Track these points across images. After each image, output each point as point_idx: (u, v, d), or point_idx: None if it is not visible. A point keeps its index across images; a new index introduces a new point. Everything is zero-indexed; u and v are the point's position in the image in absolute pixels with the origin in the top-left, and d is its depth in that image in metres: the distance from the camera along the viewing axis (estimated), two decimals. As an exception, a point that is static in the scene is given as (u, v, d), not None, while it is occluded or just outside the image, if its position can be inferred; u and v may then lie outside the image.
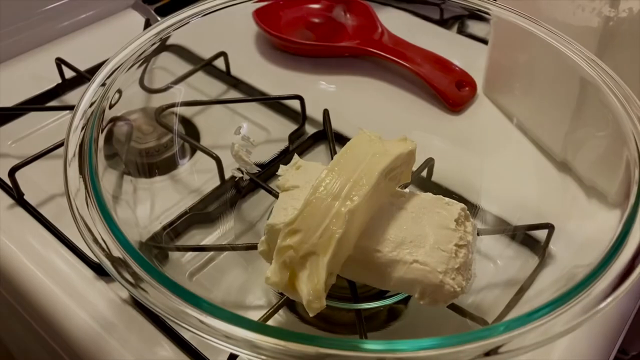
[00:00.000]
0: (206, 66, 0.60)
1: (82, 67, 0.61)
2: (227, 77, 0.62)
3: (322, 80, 0.61)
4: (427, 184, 0.50)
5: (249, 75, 0.62)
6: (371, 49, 0.62)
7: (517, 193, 0.47)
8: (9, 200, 0.49)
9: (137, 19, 0.71)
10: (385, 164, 0.37)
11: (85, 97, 0.39)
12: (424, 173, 0.50)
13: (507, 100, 0.56)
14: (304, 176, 0.41)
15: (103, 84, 0.40)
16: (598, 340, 0.41)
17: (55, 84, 0.61)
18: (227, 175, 0.49)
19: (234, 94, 0.61)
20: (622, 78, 0.39)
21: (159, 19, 0.70)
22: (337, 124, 0.54)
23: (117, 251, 0.31)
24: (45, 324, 0.43)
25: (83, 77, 0.60)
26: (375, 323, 0.41)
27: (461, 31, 0.68)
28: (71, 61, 0.60)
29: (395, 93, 0.60)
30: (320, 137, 0.55)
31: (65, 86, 0.61)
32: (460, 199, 0.47)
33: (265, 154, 0.52)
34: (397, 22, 0.66)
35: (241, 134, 0.50)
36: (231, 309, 0.30)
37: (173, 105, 0.53)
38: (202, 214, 0.47)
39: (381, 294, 0.41)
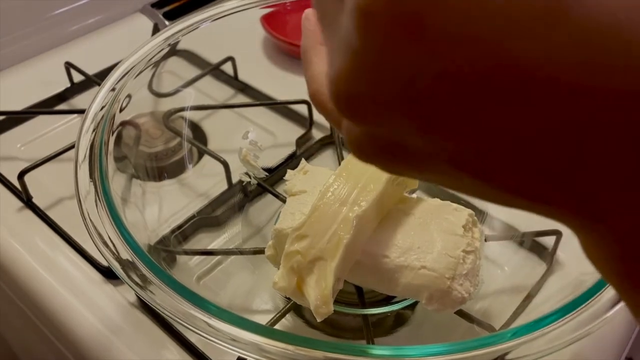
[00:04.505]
0: (214, 71, 0.61)
1: (91, 71, 0.61)
2: (234, 82, 0.62)
3: (329, 85, 0.61)
4: (435, 190, 0.50)
5: (256, 79, 0.62)
6: (378, 55, 0.62)
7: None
8: (18, 203, 0.49)
9: (145, 23, 0.72)
10: (393, 170, 0.37)
11: (95, 100, 0.39)
12: (431, 178, 0.50)
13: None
14: (311, 181, 0.42)
15: (113, 89, 0.40)
16: (606, 346, 0.41)
17: (63, 88, 0.61)
18: (234, 180, 0.49)
19: (241, 99, 0.61)
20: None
21: (167, 23, 0.71)
22: (344, 129, 0.54)
23: (126, 254, 0.32)
24: (53, 326, 0.43)
25: (91, 81, 0.60)
26: (382, 328, 0.41)
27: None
28: (80, 65, 0.61)
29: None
30: (328, 141, 0.55)
31: (74, 90, 0.62)
32: (467, 204, 0.47)
33: (273, 159, 0.52)
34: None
35: (249, 139, 0.51)
36: (238, 313, 0.30)
37: (181, 109, 0.53)
38: (209, 217, 0.47)
39: (388, 300, 0.41)
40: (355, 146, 0.17)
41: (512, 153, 0.14)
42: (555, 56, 0.12)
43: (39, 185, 0.49)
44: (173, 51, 0.47)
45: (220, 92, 0.61)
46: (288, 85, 0.61)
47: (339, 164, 0.41)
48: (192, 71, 0.59)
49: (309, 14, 0.22)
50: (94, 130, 0.37)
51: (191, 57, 0.61)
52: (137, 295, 0.41)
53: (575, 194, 0.14)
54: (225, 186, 0.49)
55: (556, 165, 0.14)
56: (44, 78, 0.63)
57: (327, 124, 0.56)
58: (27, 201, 0.49)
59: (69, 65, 0.61)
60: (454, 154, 0.15)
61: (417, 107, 0.14)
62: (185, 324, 0.29)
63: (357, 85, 0.15)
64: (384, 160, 0.17)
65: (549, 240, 0.44)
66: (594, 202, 0.14)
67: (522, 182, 0.15)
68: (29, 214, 0.49)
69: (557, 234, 0.43)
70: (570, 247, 0.43)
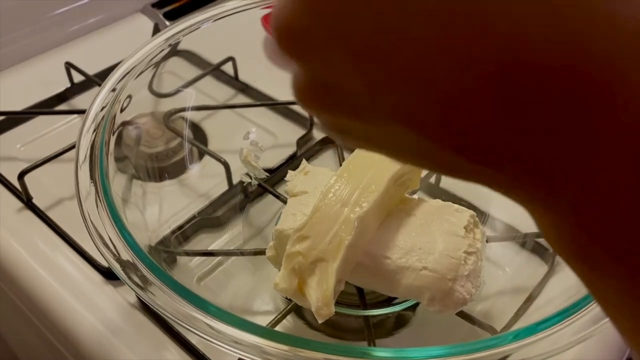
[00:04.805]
0: (214, 71, 0.60)
1: (91, 71, 0.61)
2: (235, 82, 0.62)
3: (330, 85, 0.61)
4: (436, 191, 0.50)
5: (257, 80, 0.62)
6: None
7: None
8: (18, 204, 0.49)
9: (145, 23, 0.72)
10: (395, 170, 0.37)
11: (96, 101, 0.39)
12: (433, 179, 0.50)
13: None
14: (312, 182, 0.41)
15: (113, 89, 0.40)
16: (608, 348, 0.41)
17: (64, 88, 0.61)
18: (235, 180, 0.49)
19: (241, 99, 0.61)
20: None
21: (167, 23, 0.71)
22: (345, 130, 0.54)
23: (126, 254, 0.32)
24: (53, 327, 0.43)
25: (92, 81, 0.60)
26: (383, 330, 0.41)
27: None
28: (80, 65, 0.61)
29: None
30: (328, 142, 0.55)
31: (74, 90, 0.62)
32: (469, 205, 0.47)
33: (273, 159, 0.52)
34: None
35: (249, 139, 0.50)
36: (239, 315, 0.30)
37: (182, 109, 0.53)
38: (210, 218, 0.47)
39: (389, 301, 0.40)
40: (297, 89, 0.18)
41: (445, 103, 0.13)
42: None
43: (39, 185, 0.49)
44: (174, 51, 0.47)
45: (221, 92, 0.61)
46: (289, 86, 0.61)
47: (340, 165, 0.41)
48: (193, 71, 0.59)
49: None
50: (94, 131, 0.37)
51: (192, 58, 0.61)
52: (137, 297, 0.41)
53: (521, 160, 0.14)
54: (226, 187, 0.49)
55: (489, 123, 0.13)
56: (44, 78, 0.63)
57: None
58: (27, 202, 0.49)
59: (69, 66, 0.61)
60: (387, 100, 0.15)
61: (350, 42, 0.14)
62: (186, 325, 0.29)
63: (295, 18, 0.15)
64: (323, 106, 0.17)
65: (550, 242, 0.44)
66: (544, 175, 0.13)
67: (462, 138, 0.14)
68: (29, 214, 0.49)
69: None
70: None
